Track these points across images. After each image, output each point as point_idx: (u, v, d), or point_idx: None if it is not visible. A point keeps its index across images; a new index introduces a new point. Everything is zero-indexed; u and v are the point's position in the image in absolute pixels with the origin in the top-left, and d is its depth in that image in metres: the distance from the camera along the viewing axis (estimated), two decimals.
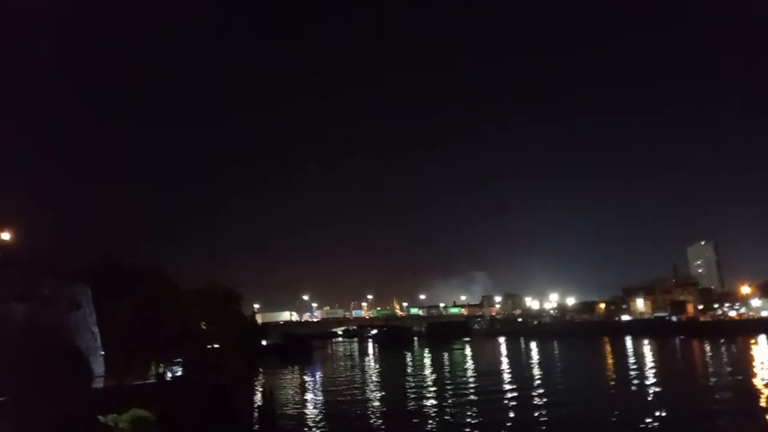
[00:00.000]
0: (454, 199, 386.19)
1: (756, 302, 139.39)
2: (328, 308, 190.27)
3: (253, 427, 31.74)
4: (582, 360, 72.71)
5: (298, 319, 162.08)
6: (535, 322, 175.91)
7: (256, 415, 33.33)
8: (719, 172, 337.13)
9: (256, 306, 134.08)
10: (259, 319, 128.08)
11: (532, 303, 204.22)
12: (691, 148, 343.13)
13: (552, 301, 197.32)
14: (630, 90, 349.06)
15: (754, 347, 75.87)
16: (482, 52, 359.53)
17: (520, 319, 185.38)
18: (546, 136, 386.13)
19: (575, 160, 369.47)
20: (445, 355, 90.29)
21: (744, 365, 54.34)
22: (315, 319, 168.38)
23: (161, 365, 33.80)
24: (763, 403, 31.20)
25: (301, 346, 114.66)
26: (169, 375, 35.00)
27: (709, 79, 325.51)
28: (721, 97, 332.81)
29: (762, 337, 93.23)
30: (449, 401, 37.29)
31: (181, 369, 37.31)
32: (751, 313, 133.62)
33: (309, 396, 45.79)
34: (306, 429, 30.34)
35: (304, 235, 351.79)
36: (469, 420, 29.99)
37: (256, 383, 52.06)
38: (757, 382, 41.29)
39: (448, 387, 45.65)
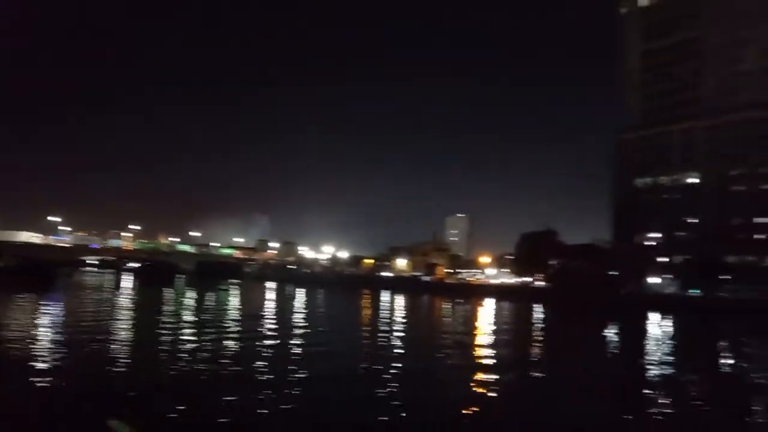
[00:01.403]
0: (245, 146, 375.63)
1: (491, 271, 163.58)
2: (82, 233, 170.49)
3: None
4: (340, 310, 77.31)
5: (43, 241, 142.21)
6: (307, 271, 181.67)
7: None
8: (480, 150, 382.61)
9: None
10: None
11: (307, 252, 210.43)
12: (483, 121, 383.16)
13: (326, 252, 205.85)
14: (418, 59, 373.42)
15: (481, 308, 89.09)
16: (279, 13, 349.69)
17: (293, 267, 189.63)
18: (341, 94, 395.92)
19: (369, 120, 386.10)
20: (210, 295, 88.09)
21: (471, 323, 63.94)
22: (65, 244, 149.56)
23: None
24: (481, 357, 36.41)
25: (41, 272, 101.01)
26: None
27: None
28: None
29: (489, 300, 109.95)
30: (203, 344, 36.17)
31: None
32: (486, 280, 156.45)
33: (41, 328, 40.36)
34: (32, 364, 26.51)
35: (63, 154, 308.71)
36: (221, 363, 29.40)
37: None
38: (479, 337, 48.29)
39: (206, 329, 44.36)
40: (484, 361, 34.88)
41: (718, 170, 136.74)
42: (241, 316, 58.15)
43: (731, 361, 44.26)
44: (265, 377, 26.54)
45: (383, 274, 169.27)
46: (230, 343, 36.83)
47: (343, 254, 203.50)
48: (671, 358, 43.80)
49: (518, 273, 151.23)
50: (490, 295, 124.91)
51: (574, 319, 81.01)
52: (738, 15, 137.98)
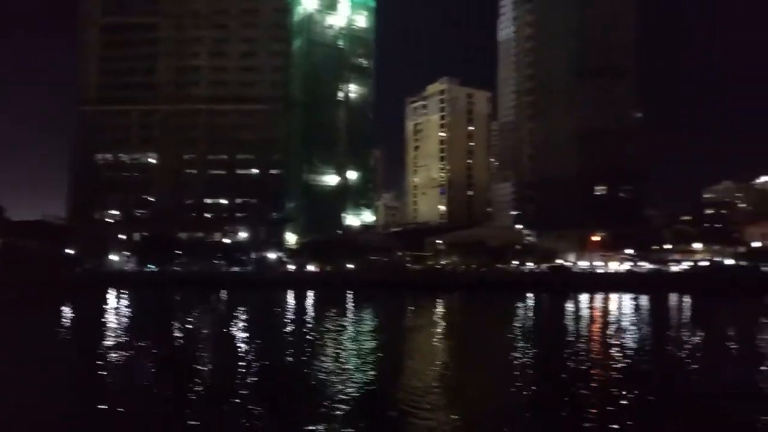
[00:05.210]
0: None
1: None
2: None
3: None
4: None
5: None
6: None
7: None
8: None
9: None
10: None
11: None
12: None
13: None
14: None
15: None
16: None
17: None
18: None
19: None
20: None
21: None
22: None
23: None
24: None
25: None
26: None
27: None
28: None
29: None
30: None
31: None
32: None
33: None
34: None
35: None
36: None
37: None
38: None
39: None
40: None
41: (173, 153, 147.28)
42: None
43: (182, 324, 48.70)
44: None
45: None
46: None
47: None
48: (126, 326, 45.06)
49: None
50: None
51: (22, 302, 71.75)
52: (190, 14, 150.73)
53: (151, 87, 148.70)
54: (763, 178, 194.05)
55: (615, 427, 19.06)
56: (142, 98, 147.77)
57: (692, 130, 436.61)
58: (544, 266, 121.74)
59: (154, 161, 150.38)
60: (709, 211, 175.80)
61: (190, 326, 48.52)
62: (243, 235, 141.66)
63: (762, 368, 30.51)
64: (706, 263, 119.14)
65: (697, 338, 43.29)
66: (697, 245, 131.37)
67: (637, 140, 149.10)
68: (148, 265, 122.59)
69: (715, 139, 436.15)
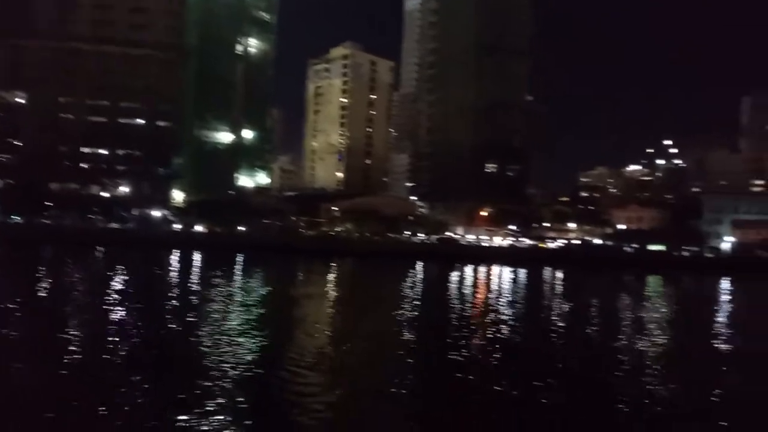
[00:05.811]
0: None
1: None
2: None
3: None
4: None
5: None
6: None
7: None
8: None
9: None
10: None
11: None
12: None
13: None
14: None
15: None
16: None
17: None
18: None
19: None
20: None
21: None
22: None
23: None
24: None
25: None
26: None
27: None
28: None
29: None
30: None
31: None
32: None
33: None
34: None
35: None
36: None
37: None
38: None
39: None
40: None
41: (47, 95, 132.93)
42: None
43: (50, 284, 44.73)
44: None
45: None
46: None
47: None
48: None
49: None
50: None
51: None
52: None
53: (26, 20, 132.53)
54: (631, 167, 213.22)
55: (496, 388, 20.09)
56: (14, 31, 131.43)
57: (575, 115, 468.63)
58: (434, 237, 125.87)
59: (23, 102, 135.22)
60: (583, 194, 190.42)
61: (59, 287, 44.71)
62: (124, 189, 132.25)
63: (618, 335, 33.83)
64: (578, 242, 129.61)
65: (566, 307, 47.09)
66: (572, 225, 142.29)
67: (526, 121, 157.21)
68: (12, 216, 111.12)
69: (594, 126, 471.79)
